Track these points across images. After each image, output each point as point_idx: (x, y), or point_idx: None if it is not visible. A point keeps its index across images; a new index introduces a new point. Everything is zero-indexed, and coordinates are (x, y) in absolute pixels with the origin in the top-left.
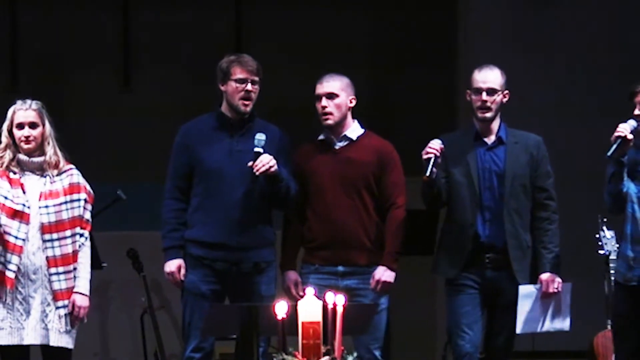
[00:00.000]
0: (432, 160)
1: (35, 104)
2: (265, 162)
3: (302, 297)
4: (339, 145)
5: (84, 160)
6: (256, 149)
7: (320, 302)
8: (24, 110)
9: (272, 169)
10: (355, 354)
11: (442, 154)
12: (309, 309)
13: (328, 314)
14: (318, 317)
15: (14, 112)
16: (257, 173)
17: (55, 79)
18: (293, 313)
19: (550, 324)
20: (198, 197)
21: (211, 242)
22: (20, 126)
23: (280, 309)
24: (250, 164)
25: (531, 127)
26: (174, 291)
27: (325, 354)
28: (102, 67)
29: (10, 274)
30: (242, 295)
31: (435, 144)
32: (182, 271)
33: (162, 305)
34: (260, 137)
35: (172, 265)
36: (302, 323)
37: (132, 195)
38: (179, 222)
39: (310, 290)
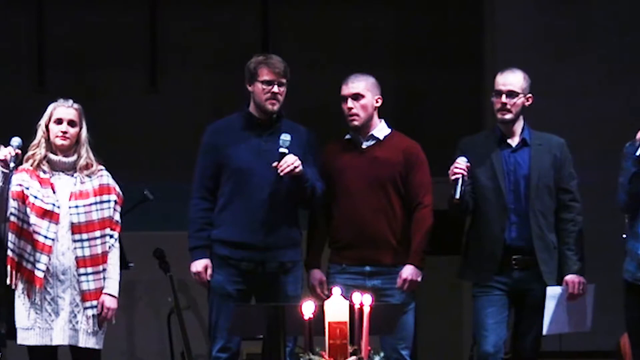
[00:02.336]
0: (460, 180)
1: (76, 105)
2: (290, 162)
3: (327, 296)
4: (366, 144)
5: (110, 160)
6: (281, 150)
7: (347, 302)
8: (65, 107)
9: (297, 170)
10: (382, 354)
11: (468, 169)
12: (336, 309)
13: (355, 314)
14: (345, 317)
15: (54, 108)
16: (282, 174)
17: (81, 79)
18: (320, 313)
19: (574, 326)
20: (225, 196)
21: (237, 242)
22: (59, 121)
23: (307, 309)
24: (275, 164)
25: (558, 130)
26: (200, 291)
27: (352, 354)
28: (129, 68)
29: (39, 274)
30: (268, 295)
31: (462, 163)
32: (209, 271)
33: (188, 305)
34: (285, 137)
35: (199, 265)
36: (329, 323)
37: (159, 195)
38: (206, 221)
39: (337, 290)
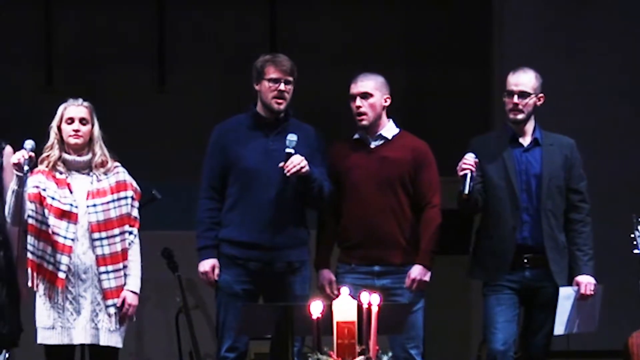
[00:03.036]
0: (469, 176)
1: (86, 103)
2: (296, 163)
3: (336, 295)
4: (374, 144)
5: (119, 159)
6: (287, 150)
7: (355, 302)
8: (76, 106)
9: (303, 170)
10: (390, 354)
11: (477, 165)
12: (344, 309)
13: (363, 313)
14: (353, 316)
15: (64, 108)
16: (288, 174)
17: (90, 78)
18: (328, 313)
19: (582, 326)
20: (232, 196)
21: (245, 242)
22: (71, 120)
23: (315, 308)
24: (281, 164)
25: (567, 129)
26: (208, 291)
27: (360, 354)
28: (137, 67)
29: (61, 275)
30: (276, 295)
31: (470, 159)
32: (216, 271)
33: (196, 305)
34: (292, 137)
35: (206, 265)
36: (337, 323)
37: (167, 195)
38: (214, 221)
39: (345, 290)
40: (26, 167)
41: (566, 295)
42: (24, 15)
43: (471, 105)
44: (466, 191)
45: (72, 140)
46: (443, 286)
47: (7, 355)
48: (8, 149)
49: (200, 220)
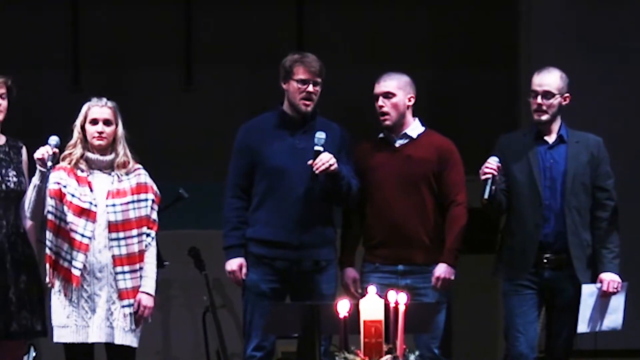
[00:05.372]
0: (490, 181)
1: (110, 103)
2: (325, 160)
3: (360, 294)
4: (399, 143)
5: (146, 158)
6: (316, 148)
7: (382, 301)
8: (100, 107)
9: (332, 168)
10: (417, 353)
11: (499, 170)
12: (371, 308)
13: (390, 312)
14: (380, 315)
15: (88, 108)
16: (317, 172)
17: (117, 77)
18: (355, 312)
19: (606, 323)
20: (259, 195)
21: (272, 241)
22: (95, 122)
23: (342, 307)
24: (310, 162)
25: (594, 129)
26: (235, 290)
27: (387, 353)
28: (164, 66)
29: (76, 272)
30: (303, 294)
31: (493, 163)
32: (244, 270)
33: (223, 304)
34: (320, 135)
35: (234, 264)
36: (364, 322)
37: (194, 194)
38: (241, 220)
39: (372, 289)
40: (49, 163)
41: (589, 293)
42: (51, 15)
43: (498, 105)
44: (486, 196)
45: (95, 142)
46: (470, 285)
47: (34, 355)
48: (24, 148)
49: (227, 219)
